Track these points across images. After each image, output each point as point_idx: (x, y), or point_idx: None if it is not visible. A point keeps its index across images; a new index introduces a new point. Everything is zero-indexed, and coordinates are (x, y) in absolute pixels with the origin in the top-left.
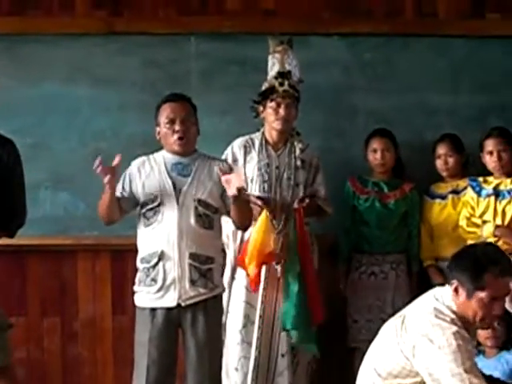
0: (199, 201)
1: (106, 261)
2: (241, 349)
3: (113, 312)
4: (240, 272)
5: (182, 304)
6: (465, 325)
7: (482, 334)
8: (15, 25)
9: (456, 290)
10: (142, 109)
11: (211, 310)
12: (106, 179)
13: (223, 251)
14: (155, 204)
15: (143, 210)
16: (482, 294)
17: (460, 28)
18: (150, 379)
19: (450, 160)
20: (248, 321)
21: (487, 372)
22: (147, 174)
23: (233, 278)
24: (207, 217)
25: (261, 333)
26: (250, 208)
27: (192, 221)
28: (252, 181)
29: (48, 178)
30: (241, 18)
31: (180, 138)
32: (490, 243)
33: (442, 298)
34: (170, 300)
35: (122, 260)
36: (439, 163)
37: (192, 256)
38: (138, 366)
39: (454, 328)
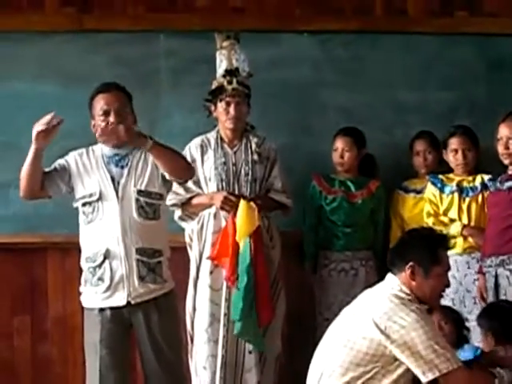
0: (139, 191)
1: (76, 258)
2: (208, 347)
3: (83, 310)
4: (204, 271)
5: (132, 302)
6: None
7: None
8: None
9: (412, 272)
10: None
11: (163, 307)
12: (39, 134)
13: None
14: (93, 199)
15: (80, 205)
16: (439, 269)
17: (429, 25)
18: (103, 382)
19: (429, 157)
20: (214, 319)
21: None
22: (85, 167)
23: (197, 277)
24: (151, 206)
25: (226, 330)
26: (172, 152)
27: (134, 214)
28: (210, 180)
29: (18, 176)
30: (210, 16)
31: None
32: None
33: (390, 286)
34: (120, 299)
35: None
36: (418, 160)
37: (139, 251)
38: (90, 369)
39: (416, 305)
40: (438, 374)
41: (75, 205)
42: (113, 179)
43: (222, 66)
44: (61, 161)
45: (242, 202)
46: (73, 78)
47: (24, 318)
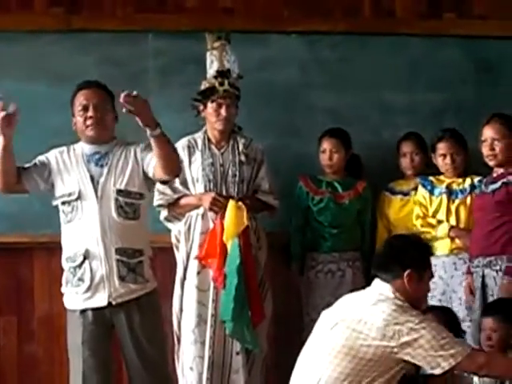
0: (119, 191)
1: None
2: (194, 348)
3: None
4: (191, 271)
5: (113, 302)
6: None
7: None
8: None
9: (410, 277)
10: None
11: (146, 307)
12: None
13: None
14: (72, 198)
15: (59, 204)
16: (428, 274)
17: (417, 27)
18: (86, 383)
19: (416, 158)
20: (201, 320)
21: None
22: (65, 165)
23: (184, 277)
24: (131, 205)
25: (213, 331)
26: (172, 147)
27: (114, 214)
28: (197, 181)
29: None
30: (199, 16)
31: (92, 124)
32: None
33: (384, 293)
34: (101, 299)
35: None
36: (405, 161)
37: (119, 251)
38: (73, 370)
39: (415, 310)
40: (454, 363)
41: (55, 203)
42: (92, 178)
43: (212, 67)
44: (41, 157)
45: (231, 203)
46: (61, 78)
47: (10, 318)
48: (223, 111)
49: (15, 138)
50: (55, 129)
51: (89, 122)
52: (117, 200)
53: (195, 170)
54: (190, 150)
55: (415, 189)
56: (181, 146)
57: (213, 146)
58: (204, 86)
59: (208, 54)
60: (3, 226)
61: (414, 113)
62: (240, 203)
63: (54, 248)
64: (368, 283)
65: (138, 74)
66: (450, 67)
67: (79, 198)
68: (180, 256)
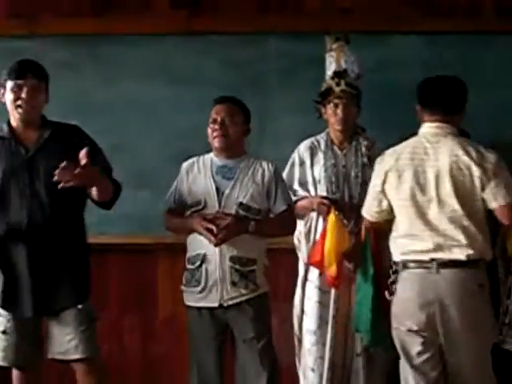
0: (240, 204)
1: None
2: (316, 349)
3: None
4: (313, 273)
5: (225, 304)
6: None
7: None
8: (96, 26)
9: None
10: None
11: (256, 307)
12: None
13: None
14: (199, 207)
15: (188, 212)
16: None
17: None
18: (200, 374)
19: None
20: (322, 321)
21: None
22: (194, 176)
23: (306, 278)
24: (248, 220)
25: (334, 333)
26: (278, 228)
27: None
28: (319, 182)
29: (130, 177)
30: (319, 17)
31: (217, 136)
32: None
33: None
34: (213, 301)
35: None
36: None
37: (232, 259)
38: (191, 361)
39: None
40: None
41: (187, 213)
42: (217, 189)
43: (331, 68)
44: (176, 192)
45: (331, 218)
46: (182, 80)
47: (134, 318)
48: (340, 111)
49: (136, 139)
50: (178, 131)
51: (215, 134)
52: (237, 212)
53: (317, 171)
54: (313, 151)
55: None
56: (303, 147)
57: (335, 147)
58: (323, 87)
59: (327, 55)
60: (127, 228)
61: None
62: (341, 217)
63: (177, 249)
64: None
65: (258, 76)
66: None
67: (205, 207)
68: (301, 257)
